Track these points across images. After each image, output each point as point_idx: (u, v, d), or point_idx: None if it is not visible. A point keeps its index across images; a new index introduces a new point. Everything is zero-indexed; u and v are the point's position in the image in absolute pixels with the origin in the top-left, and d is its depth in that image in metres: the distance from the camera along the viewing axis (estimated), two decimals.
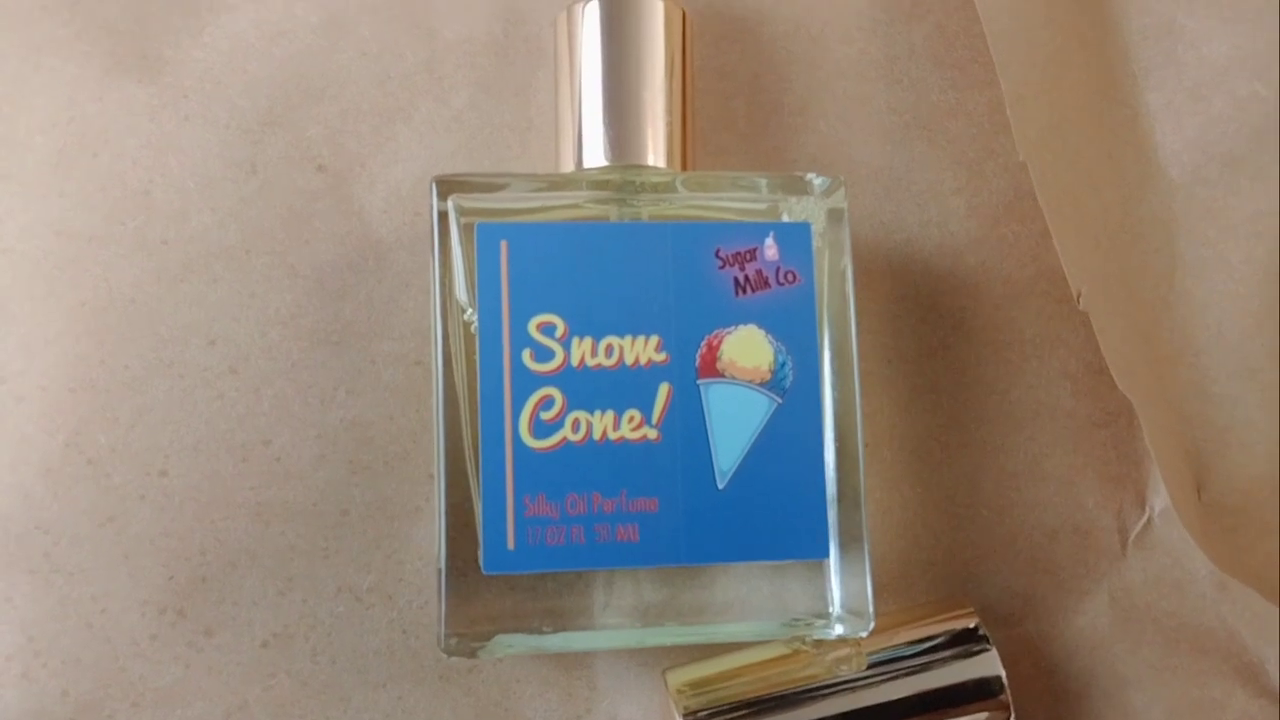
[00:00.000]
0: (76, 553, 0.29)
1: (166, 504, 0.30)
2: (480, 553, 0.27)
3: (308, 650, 0.30)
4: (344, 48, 0.32)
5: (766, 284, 0.28)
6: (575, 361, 0.27)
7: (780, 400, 0.28)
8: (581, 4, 0.29)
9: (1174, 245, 0.34)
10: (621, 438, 0.27)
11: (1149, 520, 0.33)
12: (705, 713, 0.28)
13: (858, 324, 0.29)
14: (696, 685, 0.29)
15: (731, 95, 0.33)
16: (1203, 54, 0.34)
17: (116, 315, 0.30)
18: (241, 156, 0.31)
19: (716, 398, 0.28)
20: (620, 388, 0.27)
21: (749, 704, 0.28)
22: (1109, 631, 0.32)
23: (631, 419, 0.27)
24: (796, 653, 0.29)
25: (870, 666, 0.29)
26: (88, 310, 0.30)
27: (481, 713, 0.30)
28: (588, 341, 0.27)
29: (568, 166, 0.29)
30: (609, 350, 0.27)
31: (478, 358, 0.27)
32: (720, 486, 0.27)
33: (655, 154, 0.29)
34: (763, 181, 0.29)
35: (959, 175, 0.33)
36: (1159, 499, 0.33)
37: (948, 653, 0.29)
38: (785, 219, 0.29)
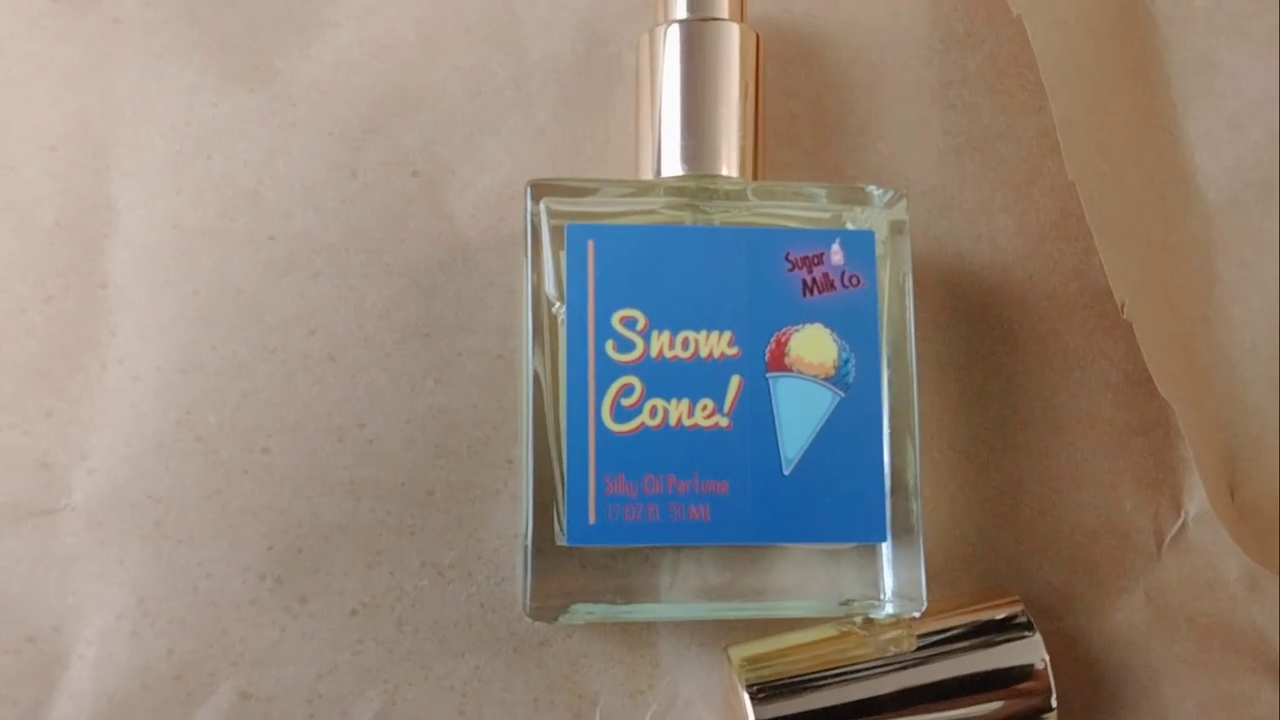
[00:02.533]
0: (185, 522, 0.32)
1: (268, 479, 0.32)
2: (561, 528, 0.29)
3: (393, 620, 0.32)
4: (440, 63, 0.34)
5: (832, 286, 0.30)
6: (654, 353, 0.29)
7: (843, 394, 0.30)
8: (663, 26, 0.32)
9: (1212, 265, 0.36)
10: (695, 424, 0.29)
11: (1184, 524, 0.35)
12: (767, 685, 0.30)
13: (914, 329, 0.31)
14: (757, 660, 0.31)
15: (796, 115, 0.35)
16: (1240, 87, 0.36)
17: (226, 304, 0.33)
18: (343, 161, 0.34)
19: (784, 390, 0.30)
20: (695, 378, 0.29)
21: (806, 679, 0.30)
22: (1144, 628, 0.34)
23: (705, 407, 0.29)
24: (848, 634, 0.31)
25: (919, 648, 0.31)
26: (200, 299, 0.33)
27: (552, 684, 0.32)
28: (666, 335, 0.29)
29: (646, 175, 0.31)
30: (685, 343, 0.29)
31: (564, 348, 0.29)
32: (786, 473, 0.29)
33: (729, 164, 0.31)
34: (827, 191, 0.31)
35: (1008, 195, 0.35)
36: (1194, 504, 0.35)
37: (993, 637, 0.31)
38: (850, 227, 0.31)
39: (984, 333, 0.35)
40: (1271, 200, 0.36)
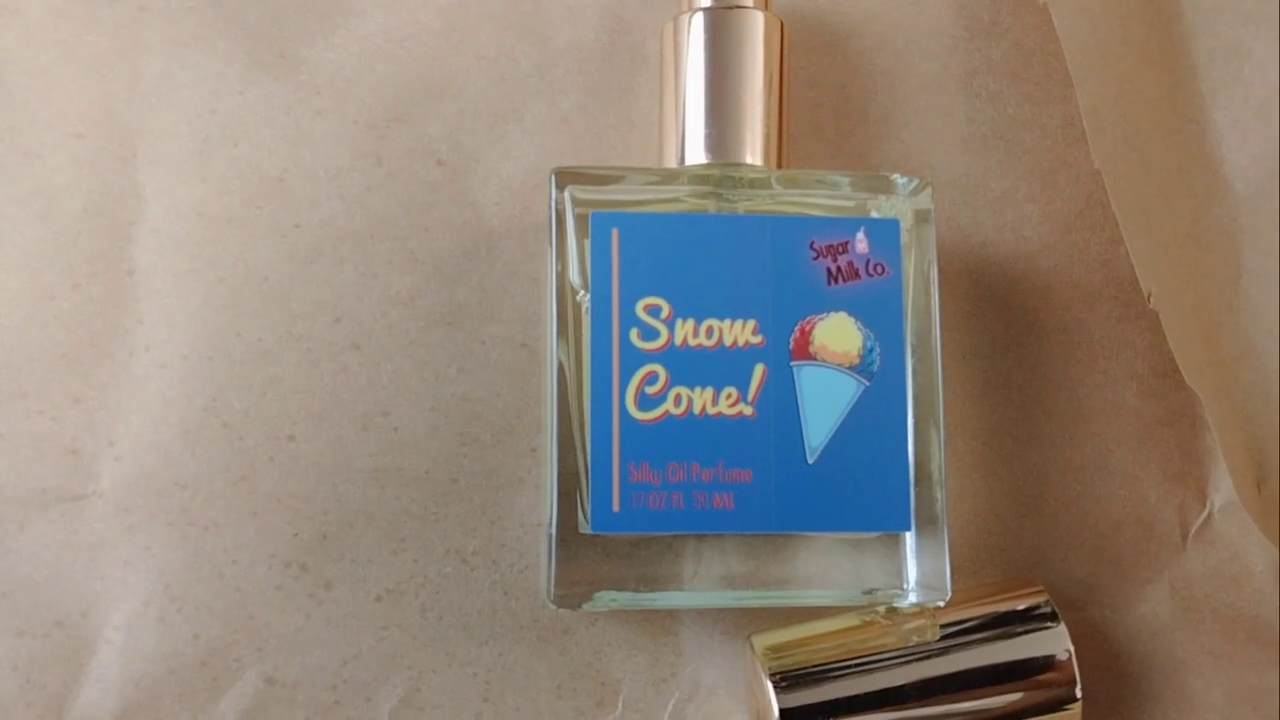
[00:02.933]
0: (211, 508, 0.32)
1: (293, 466, 0.32)
2: (585, 516, 0.29)
3: (417, 606, 0.32)
4: (463, 52, 0.34)
5: (857, 275, 0.30)
6: (679, 341, 0.29)
7: (868, 383, 0.30)
8: (687, 14, 0.32)
9: (1239, 254, 0.35)
10: (719, 413, 0.29)
11: (1209, 515, 0.34)
12: (789, 673, 0.30)
13: (939, 319, 0.31)
14: (780, 649, 0.31)
15: (820, 104, 0.35)
16: (1268, 76, 0.36)
17: (251, 292, 0.33)
18: (368, 149, 0.34)
19: (808, 379, 0.30)
20: (719, 366, 0.29)
21: (829, 668, 0.30)
22: (1169, 619, 0.34)
23: (729, 396, 0.29)
24: (872, 623, 0.31)
25: (943, 637, 0.31)
26: (225, 286, 0.33)
27: (575, 672, 0.33)
28: (690, 323, 0.29)
29: (670, 164, 0.31)
30: (709, 332, 0.29)
31: (589, 335, 0.29)
32: (810, 461, 0.29)
33: (753, 153, 0.31)
34: (851, 180, 0.31)
35: (1033, 184, 0.35)
36: (1219, 495, 0.34)
37: (1018, 627, 0.31)
38: (875, 215, 0.31)
39: (1009, 322, 0.35)
40: None
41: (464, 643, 0.32)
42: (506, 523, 0.33)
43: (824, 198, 0.31)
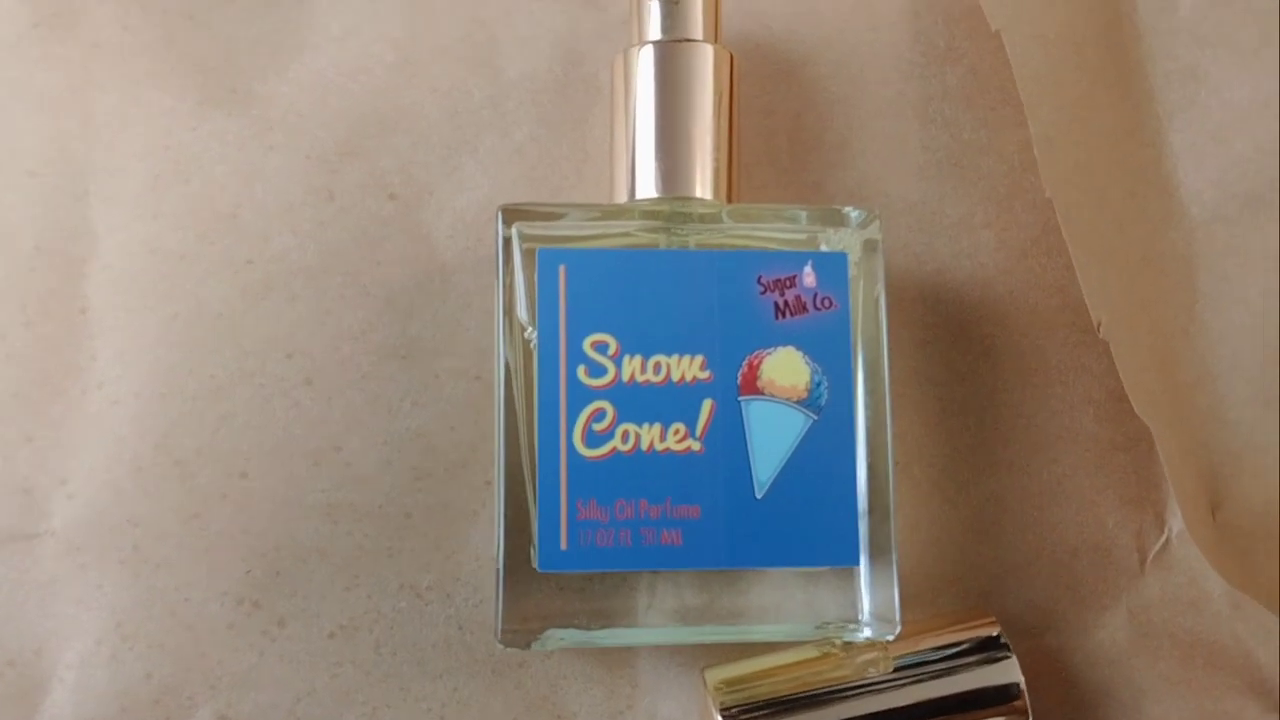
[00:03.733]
0: (163, 545, 0.32)
1: (246, 503, 0.32)
2: (535, 552, 0.29)
3: (371, 642, 0.32)
4: (416, 85, 0.34)
5: (805, 309, 0.30)
6: (626, 377, 0.29)
7: (816, 417, 0.30)
8: (637, 47, 0.32)
9: (1194, 279, 0.35)
10: (667, 449, 0.29)
11: (1167, 541, 0.34)
12: (741, 708, 0.30)
13: (890, 349, 0.31)
14: (733, 683, 0.31)
15: (774, 132, 0.35)
16: (1225, 99, 0.36)
17: (204, 328, 0.33)
18: (320, 184, 0.34)
19: (756, 413, 0.30)
20: (667, 402, 0.29)
21: (782, 701, 0.30)
22: (1127, 645, 0.34)
23: (677, 431, 0.29)
24: (827, 655, 0.31)
25: (896, 670, 0.31)
26: (178, 323, 0.33)
27: (530, 705, 0.33)
28: (638, 359, 0.29)
29: (621, 197, 0.31)
30: (657, 368, 0.30)
31: (536, 372, 0.29)
32: (758, 496, 0.29)
33: (703, 187, 0.31)
34: (803, 213, 0.31)
35: (989, 210, 0.35)
36: (1176, 521, 0.34)
37: (970, 659, 0.31)
38: (823, 249, 0.31)
39: (964, 349, 0.35)
40: (1255, 214, 0.35)
41: (418, 678, 0.32)
42: (461, 557, 0.33)
43: (774, 231, 0.31)
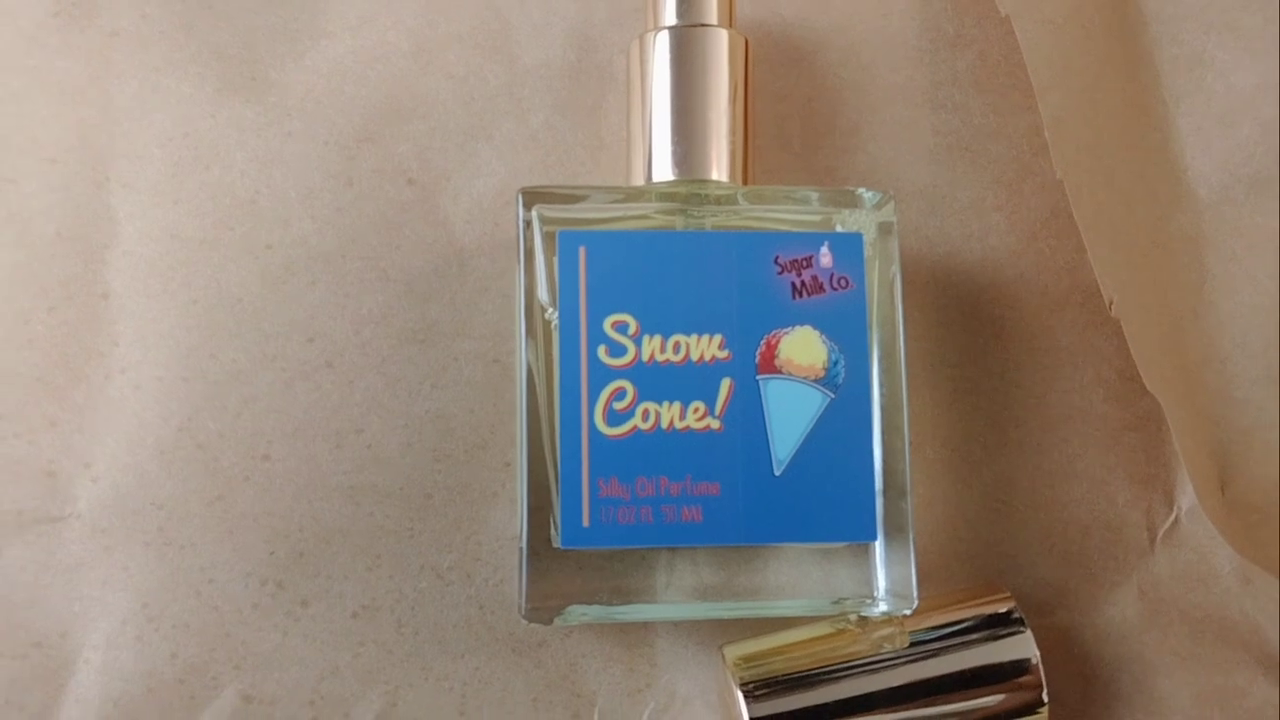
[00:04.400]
0: (187, 527, 0.32)
1: (268, 485, 0.33)
2: (556, 530, 0.30)
3: (393, 622, 0.33)
4: (433, 72, 0.35)
5: (821, 289, 0.30)
6: (646, 357, 0.30)
7: (833, 396, 0.30)
8: (653, 32, 0.32)
9: (1202, 260, 0.36)
10: (687, 427, 0.30)
11: (1176, 519, 0.35)
12: (759, 683, 0.30)
13: (905, 329, 0.32)
14: (751, 659, 0.31)
15: (787, 117, 0.36)
16: (1231, 83, 0.37)
17: (225, 313, 0.33)
18: (339, 170, 0.34)
19: (774, 392, 0.30)
20: (686, 381, 0.30)
21: (799, 677, 0.31)
22: (1137, 622, 0.34)
23: (696, 410, 0.30)
24: (842, 631, 0.32)
25: (912, 644, 0.31)
26: (199, 308, 0.33)
27: (550, 684, 0.33)
28: (657, 339, 0.30)
29: (638, 181, 0.32)
30: (676, 347, 0.30)
31: (557, 353, 0.30)
32: (777, 473, 0.30)
33: (719, 169, 0.31)
34: (816, 195, 0.31)
35: (999, 193, 0.36)
36: (1186, 499, 0.35)
37: (985, 634, 0.31)
38: (839, 230, 0.31)
39: (976, 331, 0.35)
40: (1262, 196, 0.36)
41: (440, 657, 0.33)
42: (481, 537, 0.33)
43: (790, 213, 0.31)
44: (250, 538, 0.32)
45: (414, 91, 0.34)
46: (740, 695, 0.30)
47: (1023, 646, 0.31)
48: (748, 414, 0.30)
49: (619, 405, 0.30)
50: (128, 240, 0.33)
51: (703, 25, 0.32)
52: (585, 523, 0.29)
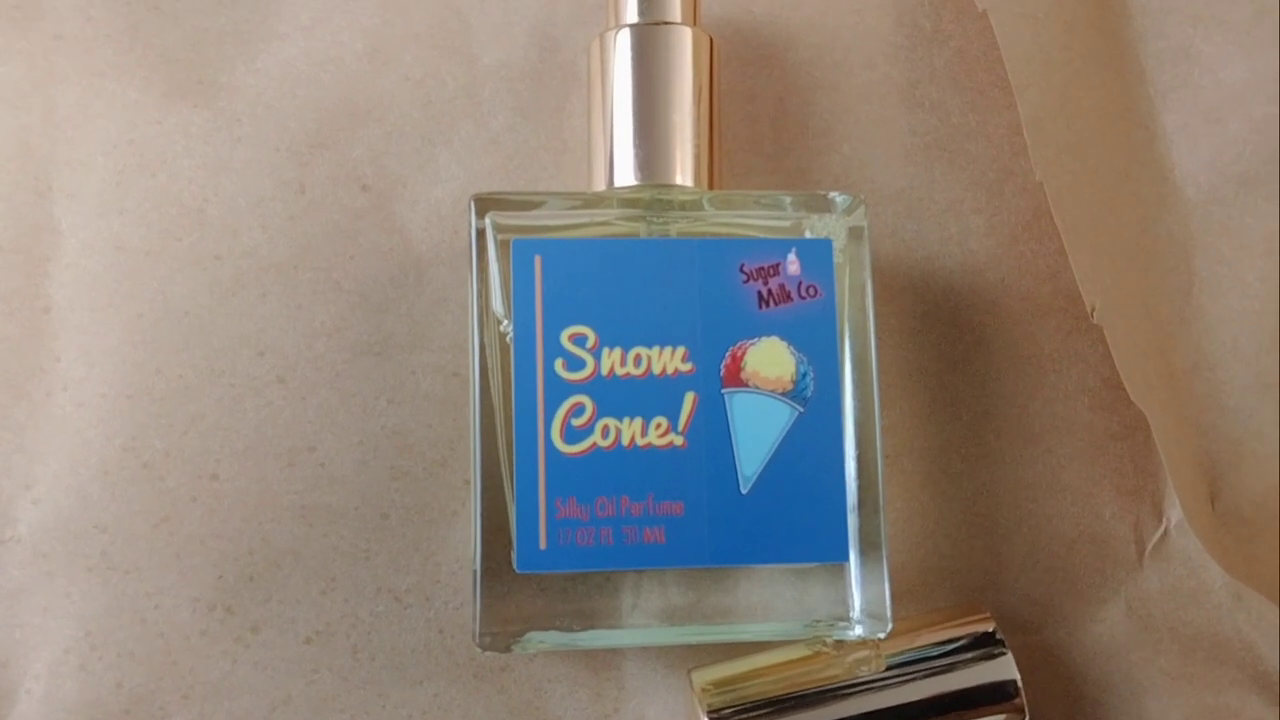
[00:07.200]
0: (132, 551, 0.31)
1: (217, 506, 0.31)
2: (514, 553, 0.28)
3: (348, 647, 0.31)
4: (388, 74, 0.33)
5: (789, 298, 0.29)
6: (605, 371, 0.28)
7: (802, 409, 0.29)
8: (614, 31, 0.31)
9: (1190, 263, 0.35)
10: (649, 444, 0.28)
11: (1165, 531, 0.34)
12: (729, 710, 0.29)
13: (878, 338, 0.30)
14: (720, 684, 0.30)
15: (757, 118, 0.34)
16: (1219, 78, 0.35)
17: (171, 326, 0.32)
18: (290, 177, 0.33)
19: (740, 406, 0.29)
20: (648, 396, 0.28)
21: (771, 703, 0.29)
22: (1126, 639, 0.33)
23: (658, 426, 0.28)
24: (818, 654, 0.30)
25: (889, 668, 0.30)
26: (145, 321, 0.32)
27: (514, 710, 0.32)
28: (617, 352, 0.29)
29: (599, 186, 0.31)
30: (637, 360, 0.29)
31: (513, 367, 0.28)
32: (744, 491, 0.29)
33: (683, 173, 0.30)
34: (786, 199, 0.30)
35: (979, 195, 0.34)
36: (1175, 511, 0.34)
37: (965, 656, 0.30)
38: (808, 235, 0.30)
39: (955, 338, 0.34)
40: (1252, 195, 0.35)
41: (398, 684, 0.31)
42: (440, 558, 0.32)
43: (757, 218, 0.30)
44: (198, 561, 0.31)
45: (369, 94, 0.33)
46: None
47: (1004, 669, 0.30)
48: (712, 429, 0.29)
49: (577, 422, 0.28)
50: (71, 252, 0.32)
51: (665, 23, 0.30)
52: (543, 545, 0.28)
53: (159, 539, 0.31)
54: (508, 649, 0.29)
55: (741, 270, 0.29)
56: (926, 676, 0.30)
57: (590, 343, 0.28)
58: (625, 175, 0.30)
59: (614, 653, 0.32)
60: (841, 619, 0.30)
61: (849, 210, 0.30)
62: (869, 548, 0.29)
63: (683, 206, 0.30)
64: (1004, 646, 0.30)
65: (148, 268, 0.32)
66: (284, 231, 0.32)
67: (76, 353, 0.32)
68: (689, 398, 0.29)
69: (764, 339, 0.29)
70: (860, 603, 0.29)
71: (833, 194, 0.30)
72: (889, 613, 0.29)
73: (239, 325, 0.32)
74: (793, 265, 0.29)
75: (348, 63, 0.33)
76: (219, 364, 0.32)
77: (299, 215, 0.33)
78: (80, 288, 0.32)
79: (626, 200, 0.30)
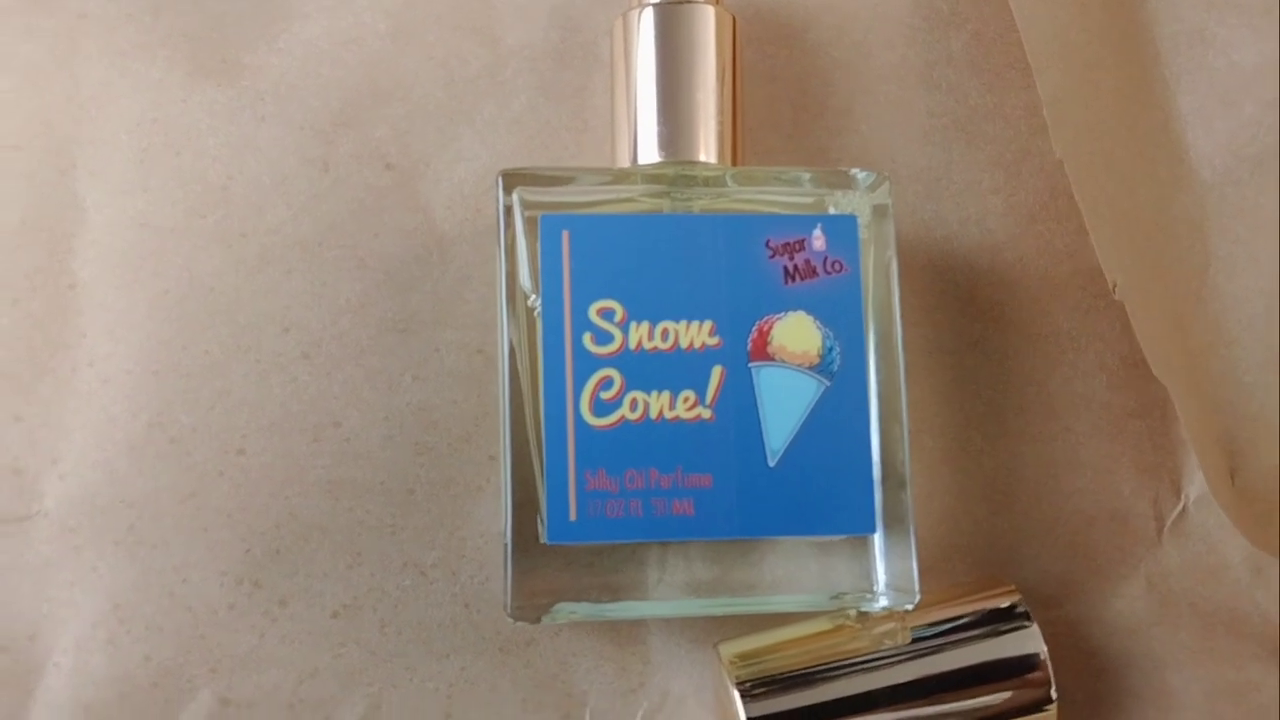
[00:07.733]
0: (159, 526, 0.31)
1: (244, 481, 0.31)
2: (543, 525, 0.28)
3: (375, 621, 0.31)
4: (411, 53, 0.33)
5: (814, 273, 0.29)
6: (633, 345, 0.29)
7: (828, 383, 0.29)
8: (637, 10, 0.31)
9: (1206, 242, 0.35)
10: (677, 417, 0.29)
11: (1184, 508, 0.34)
12: (756, 682, 0.29)
13: (902, 314, 0.30)
14: (747, 657, 0.30)
15: (778, 98, 0.34)
16: (1233, 60, 0.36)
17: (197, 303, 0.32)
18: (314, 155, 0.33)
19: (767, 380, 0.29)
20: (676, 369, 0.29)
21: (798, 675, 0.29)
22: (1146, 615, 0.33)
23: (686, 399, 0.29)
24: (842, 627, 0.31)
25: (914, 641, 0.30)
26: (170, 298, 0.32)
27: (539, 684, 0.32)
28: (645, 326, 0.29)
29: (623, 163, 0.31)
30: (665, 334, 0.29)
31: (541, 341, 0.29)
32: (771, 464, 0.29)
33: (706, 150, 0.30)
34: (808, 176, 0.30)
35: (997, 175, 0.35)
36: (1194, 487, 0.34)
37: (990, 628, 0.30)
38: (832, 212, 0.30)
39: (975, 316, 0.34)
40: (1265, 176, 0.35)
41: (424, 657, 0.31)
42: (466, 533, 0.32)
43: (780, 195, 0.30)
44: (225, 535, 0.31)
45: (392, 73, 0.33)
46: (736, 694, 0.29)
47: (1029, 641, 0.30)
48: (740, 403, 0.29)
49: (606, 395, 0.28)
50: (95, 229, 0.32)
51: (688, 2, 0.31)
52: (572, 517, 0.28)
53: (186, 514, 0.31)
54: (538, 620, 0.29)
55: (767, 245, 0.29)
56: (952, 648, 0.30)
57: (618, 317, 0.29)
58: (649, 153, 0.30)
59: (639, 627, 0.32)
60: (867, 592, 0.30)
61: (873, 187, 0.30)
62: (895, 521, 0.30)
63: (706, 183, 0.30)
64: (1029, 619, 0.30)
65: (172, 245, 0.32)
66: (308, 209, 0.33)
67: (102, 329, 0.32)
68: (716, 371, 0.29)
69: (790, 313, 0.29)
70: (886, 576, 0.30)
71: (855, 170, 0.30)
72: (916, 585, 0.29)
73: (264, 302, 0.32)
74: (818, 241, 0.29)
75: (370, 42, 0.33)
76: (245, 340, 0.32)
77: (323, 193, 0.33)
78: (105, 265, 0.32)
79: (651, 176, 0.30)
